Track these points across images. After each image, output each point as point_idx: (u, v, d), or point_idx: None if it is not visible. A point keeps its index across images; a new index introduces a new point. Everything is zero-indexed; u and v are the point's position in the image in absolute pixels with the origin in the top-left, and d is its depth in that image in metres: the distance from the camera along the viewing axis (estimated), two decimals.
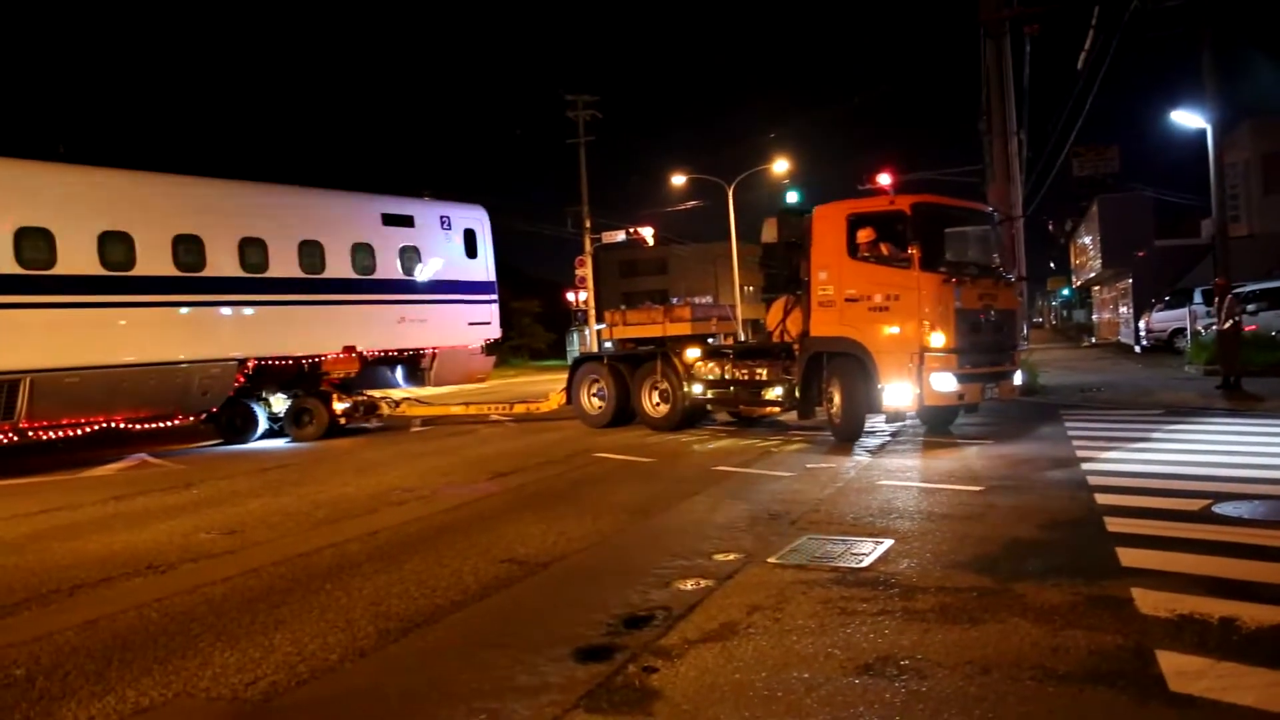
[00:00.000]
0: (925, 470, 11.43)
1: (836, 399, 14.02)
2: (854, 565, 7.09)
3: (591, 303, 47.42)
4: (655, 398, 17.24)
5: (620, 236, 47.96)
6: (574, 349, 57.68)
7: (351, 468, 14.39)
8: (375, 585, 7.21)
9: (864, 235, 13.76)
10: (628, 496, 10.66)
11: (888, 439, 14.49)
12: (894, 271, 13.39)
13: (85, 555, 8.89)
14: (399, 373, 21.58)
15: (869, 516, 8.86)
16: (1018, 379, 14.76)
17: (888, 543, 7.72)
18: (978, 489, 9.96)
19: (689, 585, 6.77)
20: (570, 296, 50.71)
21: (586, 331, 48.18)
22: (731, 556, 7.54)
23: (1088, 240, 54.39)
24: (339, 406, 19.33)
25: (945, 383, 13.13)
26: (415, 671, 5.40)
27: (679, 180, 51.01)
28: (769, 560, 7.37)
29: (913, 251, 13.13)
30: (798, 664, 5.12)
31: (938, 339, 13.08)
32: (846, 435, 13.99)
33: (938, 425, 15.20)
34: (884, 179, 14.86)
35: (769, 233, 15.48)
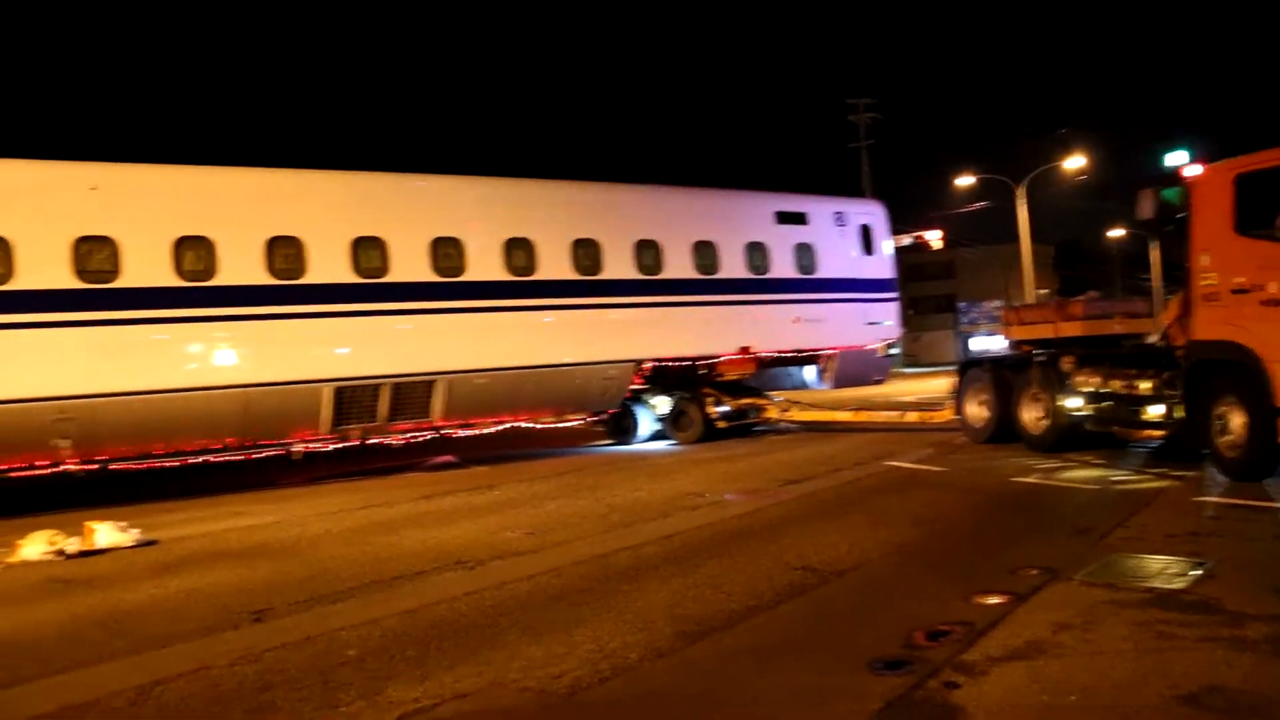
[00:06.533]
0: (1247, 487, 10.40)
1: (1230, 424, 10.71)
2: (1170, 587, 6.63)
3: None
4: (1037, 411, 14.29)
5: (906, 241, 46.87)
6: None
7: (644, 473, 14.77)
8: (671, 588, 7.37)
9: (1256, 201, 10.45)
10: (920, 507, 10.41)
11: None
12: None
13: (402, 549, 9.58)
14: (808, 374, 21.35)
15: (1186, 535, 8.25)
16: None
17: (1208, 564, 7.16)
18: None
19: (991, 600, 6.54)
20: None
21: None
22: (1034, 571, 7.22)
23: None
24: (716, 409, 18.92)
25: None
26: (712, 674, 5.50)
27: (965, 181, 49.44)
28: (1075, 577, 7.01)
29: None
30: (1110, 689, 4.85)
31: None
32: (1241, 472, 10.61)
33: None
34: (1193, 170, 12.44)
35: (1144, 208, 12.54)
